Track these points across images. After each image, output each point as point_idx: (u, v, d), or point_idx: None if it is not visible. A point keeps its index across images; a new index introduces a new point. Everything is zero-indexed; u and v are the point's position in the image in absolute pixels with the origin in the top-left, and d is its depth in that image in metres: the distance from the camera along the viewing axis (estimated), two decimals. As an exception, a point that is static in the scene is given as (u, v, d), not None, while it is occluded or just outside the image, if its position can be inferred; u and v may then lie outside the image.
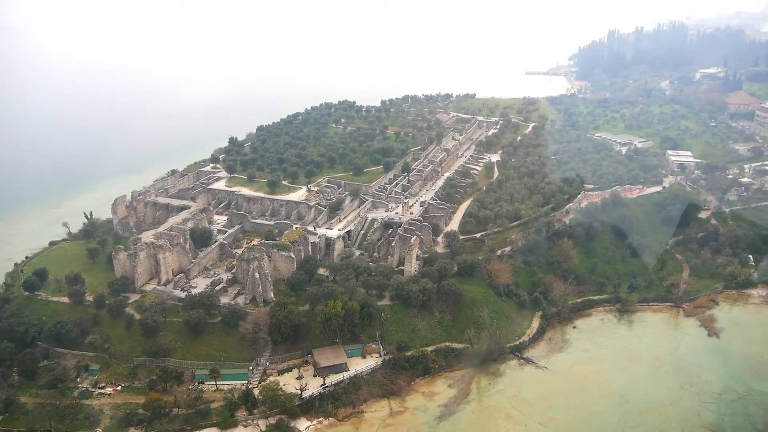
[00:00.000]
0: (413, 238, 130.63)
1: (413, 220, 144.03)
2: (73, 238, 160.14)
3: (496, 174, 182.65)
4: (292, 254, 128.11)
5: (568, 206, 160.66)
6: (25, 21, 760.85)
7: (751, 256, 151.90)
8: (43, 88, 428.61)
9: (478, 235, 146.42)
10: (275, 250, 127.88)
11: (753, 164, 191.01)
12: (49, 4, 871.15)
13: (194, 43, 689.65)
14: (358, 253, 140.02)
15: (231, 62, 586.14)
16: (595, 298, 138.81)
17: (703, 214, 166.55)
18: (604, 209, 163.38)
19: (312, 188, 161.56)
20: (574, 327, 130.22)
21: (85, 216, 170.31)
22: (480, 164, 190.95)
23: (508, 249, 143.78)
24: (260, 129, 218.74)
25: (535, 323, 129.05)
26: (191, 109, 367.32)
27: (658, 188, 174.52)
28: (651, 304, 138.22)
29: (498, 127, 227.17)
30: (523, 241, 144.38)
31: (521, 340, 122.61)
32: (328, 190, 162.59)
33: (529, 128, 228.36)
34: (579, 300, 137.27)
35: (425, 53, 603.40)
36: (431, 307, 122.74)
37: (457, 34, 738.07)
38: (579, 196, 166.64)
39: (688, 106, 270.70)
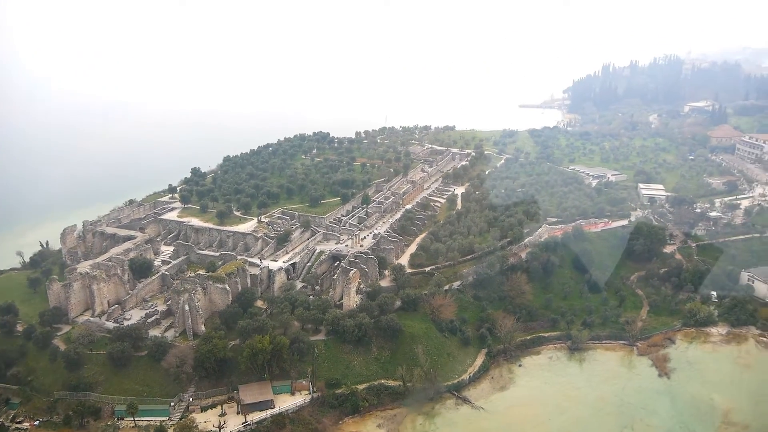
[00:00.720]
0: (352, 272, 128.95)
1: (360, 252, 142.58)
2: (24, 268, 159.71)
3: (458, 206, 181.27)
4: (227, 286, 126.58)
5: (527, 240, 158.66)
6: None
7: (714, 293, 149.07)
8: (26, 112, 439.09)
9: (427, 269, 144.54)
10: (210, 282, 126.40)
11: (725, 198, 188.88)
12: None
13: (176, 74, 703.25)
14: (300, 285, 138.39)
15: (216, 93, 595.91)
16: (546, 334, 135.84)
17: (668, 249, 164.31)
18: (565, 243, 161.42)
19: (263, 219, 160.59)
20: (520, 365, 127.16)
21: (41, 245, 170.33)
22: (444, 197, 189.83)
23: (457, 283, 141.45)
24: (226, 159, 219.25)
25: (479, 361, 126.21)
26: (175, 139, 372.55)
27: (625, 222, 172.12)
28: (604, 341, 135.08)
29: (469, 159, 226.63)
30: (474, 276, 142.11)
31: (461, 378, 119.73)
32: (280, 221, 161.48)
33: (502, 161, 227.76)
34: (528, 337, 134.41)
35: (418, 85, 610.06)
36: (369, 343, 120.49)
37: (452, 65, 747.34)
38: (540, 229, 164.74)
39: (671, 140, 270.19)
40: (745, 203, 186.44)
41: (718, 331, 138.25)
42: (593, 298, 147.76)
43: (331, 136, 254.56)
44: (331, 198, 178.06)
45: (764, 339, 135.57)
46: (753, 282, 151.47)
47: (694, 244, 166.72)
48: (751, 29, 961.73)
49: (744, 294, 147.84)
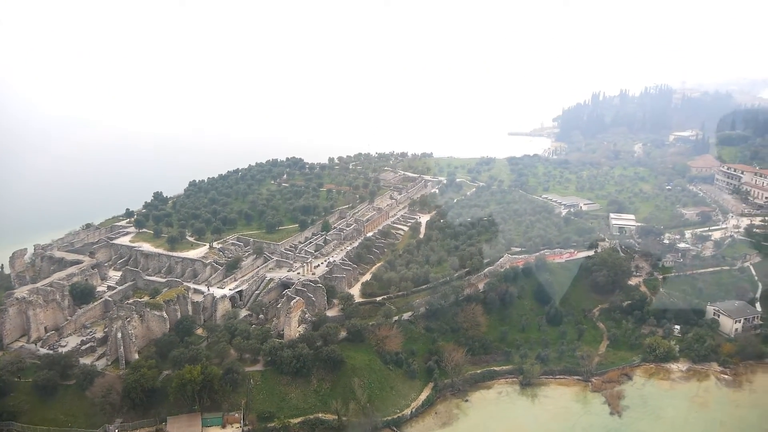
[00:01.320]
0: (294, 301, 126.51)
1: (308, 280, 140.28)
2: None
3: (421, 234, 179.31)
4: (164, 314, 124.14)
5: (486, 270, 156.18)
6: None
7: (677, 327, 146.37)
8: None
9: (378, 299, 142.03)
10: (148, 309, 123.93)
11: (697, 229, 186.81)
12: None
13: (156, 96, 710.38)
14: (245, 314, 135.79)
15: (197, 115, 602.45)
16: (498, 368, 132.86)
17: (633, 281, 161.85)
18: (526, 273, 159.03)
19: (215, 245, 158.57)
20: (466, 400, 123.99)
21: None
22: (408, 224, 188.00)
23: (408, 314, 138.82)
24: (192, 184, 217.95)
25: (424, 395, 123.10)
26: (148, 161, 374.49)
27: (591, 253, 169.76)
28: (557, 376, 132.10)
29: (439, 187, 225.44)
30: (426, 306, 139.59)
31: (402, 413, 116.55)
32: (233, 248, 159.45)
33: (474, 189, 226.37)
34: (479, 370, 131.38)
35: (409, 109, 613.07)
36: (308, 375, 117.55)
37: (443, 91, 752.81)
38: (502, 259, 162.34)
39: (653, 169, 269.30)
40: (716, 235, 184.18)
41: (679, 367, 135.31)
42: (551, 331, 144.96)
43: (303, 161, 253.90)
44: (290, 224, 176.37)
45: (725, 376, 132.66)
46: (718, 316, 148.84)
47: (661, 276, 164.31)
48: (749, 60, 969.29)
49: (708, 329, 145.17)
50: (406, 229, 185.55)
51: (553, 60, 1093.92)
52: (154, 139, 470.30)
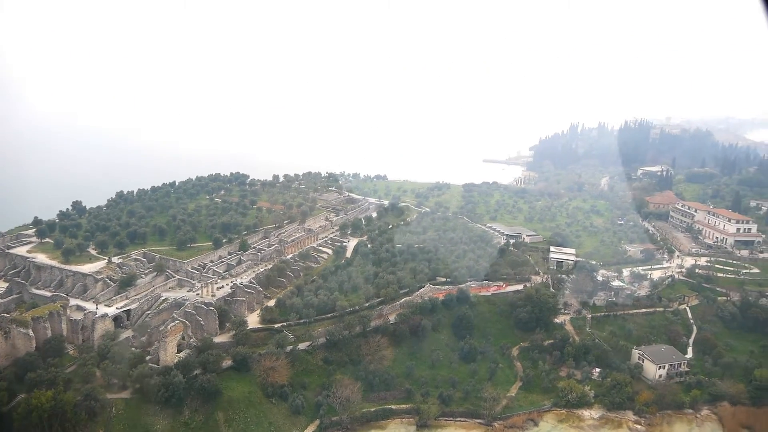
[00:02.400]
0: (172, 324, 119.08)
1: (202, 302, 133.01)
2: None
3: (345, 259, 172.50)
4: (30, 332, 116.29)
5: (403, 300, 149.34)
6: None
7: (598, 370, 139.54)
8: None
9: (276, 326, 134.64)
10: (13, 326, 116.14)
11: (637, 267, 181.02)
12: None
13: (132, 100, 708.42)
14: (128, 335, 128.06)
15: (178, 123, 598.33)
16: (396, 407, 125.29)
17: (560, 319, 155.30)
18: (447, 306, 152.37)
19: (115, 260, 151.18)
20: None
21: None
22: (334, 247, 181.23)
23: (306, 344, 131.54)
24: (119, 195, 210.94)
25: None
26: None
27: (520, 287, 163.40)
28: (458, 419, 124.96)
29: (379, 210, 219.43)
30: (327, 336, 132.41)
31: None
32: (135, 263, 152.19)
33: (415, 214, 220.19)
34: (374, 408, 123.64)
35: (386, 132, 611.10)
36: (180, 405, 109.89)
37: (423, 114, 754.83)
38: (422, 289, 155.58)
39: (612, 203, 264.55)
40: (656, 274, 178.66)
41: (591, 414, 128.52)
42: (463, 369, 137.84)
43: (247, 177, 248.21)
44: (206, 242, 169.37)
45: (639, 426, 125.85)
46: (643, 361, 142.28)
47: (590, 315, 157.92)
48: (739, 100, 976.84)
49: (630, 374, 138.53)
50: (330, 252, 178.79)
51: (536, 89, 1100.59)
52: (119, 142, 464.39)
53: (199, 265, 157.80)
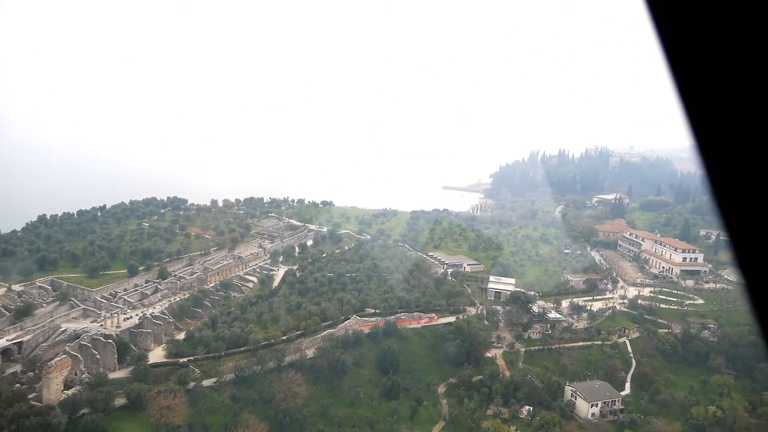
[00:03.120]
0: (58, 359, 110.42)
1: (102, 334, 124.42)
2: None
3: (270, 288, 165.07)
4: None
5: (324, 333, 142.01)
6: None
7: (528, 408, 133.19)
8: None
9: (182, 360, 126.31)
10: None
11: (576, 299, 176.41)
12: None
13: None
14: (14, 370, 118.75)
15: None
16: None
17: (492, 353, 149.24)
18: (373, 339, 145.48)
19: (16, 288, 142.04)
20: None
21: None
22: (261, 276, 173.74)
23: (213, 380, 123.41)
24: (40, 218, 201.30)
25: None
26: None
27: (453, 319, 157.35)
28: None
29: (314, 238, 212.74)
30: (236, 372, 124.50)
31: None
32: (37, 291, 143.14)
33: (354, 242, 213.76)
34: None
35: (347, 158, 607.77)
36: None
37: (385, 140, 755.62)
38: (348, 321, 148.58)
39: (563, 231, 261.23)
40: (597, 305, 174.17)
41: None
42: (384, 407, 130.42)
43: (185, 201, 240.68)
44: (122, 269, 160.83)
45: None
46: (576, 398, 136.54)
47: (524, 349, 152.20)
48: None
49: (562, 412, 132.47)
50: (255, 281, 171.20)
51: (501, 116, 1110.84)
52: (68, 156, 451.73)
53: (110, 294, 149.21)
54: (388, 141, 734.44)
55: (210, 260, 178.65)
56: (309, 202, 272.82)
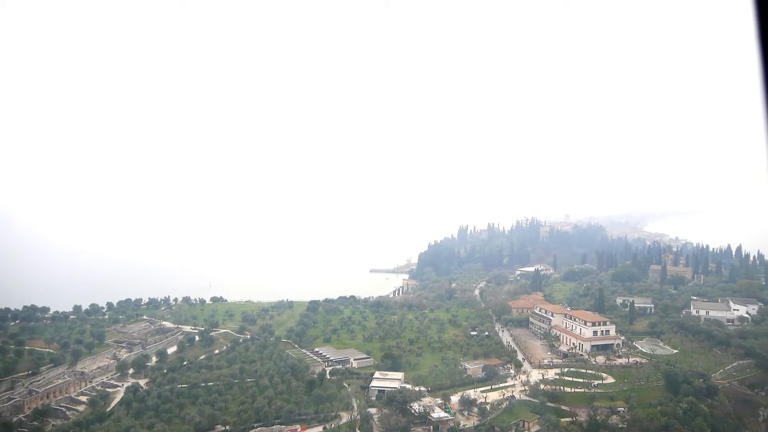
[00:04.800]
0: None
1: None
2: None
3: (101, 411, 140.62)
4: None
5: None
6: None
7: None
8: None
9: None
10: None
11: (472, 390, 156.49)
12: None
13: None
14: None
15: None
16: None
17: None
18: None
19: None
20: None
21: None
22: (98, 395, 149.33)
23: None
24: None
25: None
26: None
27: (320, 428, 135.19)
28: None
29: (182, 342, 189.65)
30: None
31: None
32: None
33: (230, 342, 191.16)
34: None
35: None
36: None
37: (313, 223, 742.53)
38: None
39: (477, 310, 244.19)
40: (493, 396, 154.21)
41: None
42: None
43: (52, 311, 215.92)
44: None
45: None
46: None
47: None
48: (642, 194, 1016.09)
49: None
50: (88, 402, 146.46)
51: (432, 194, 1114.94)
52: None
53: None
54: (320, 226, 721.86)
55: (40, 380, 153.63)
56: (195, 299, 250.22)
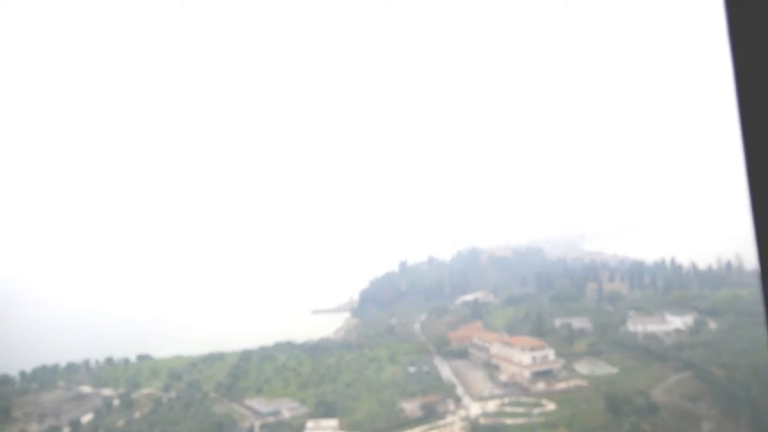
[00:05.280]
0: None
1: None
2: None
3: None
4: None
5: None
6: None
7: None
8: None
9: None
10: None
11: (407, 431, 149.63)
12: None
13: None
14: None
15: None
16: None
17: None
18: None
19: None
20: None
21: None
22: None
23: None
24: None
25: None
26: None
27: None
28: None
29: (98, 409, 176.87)
30: None
31: None
32: None
33: (153, 404, 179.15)
34: None
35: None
36: None
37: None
38: None
39: (415, 345, 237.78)
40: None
41: None
42: None
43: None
44: None
45: None
46: None
47: None
48: (580, 213, 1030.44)
49: None
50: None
51: (371, 227, 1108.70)
52: None
53: None
54: (258, 260, 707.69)
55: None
56: (120, 358, 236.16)
